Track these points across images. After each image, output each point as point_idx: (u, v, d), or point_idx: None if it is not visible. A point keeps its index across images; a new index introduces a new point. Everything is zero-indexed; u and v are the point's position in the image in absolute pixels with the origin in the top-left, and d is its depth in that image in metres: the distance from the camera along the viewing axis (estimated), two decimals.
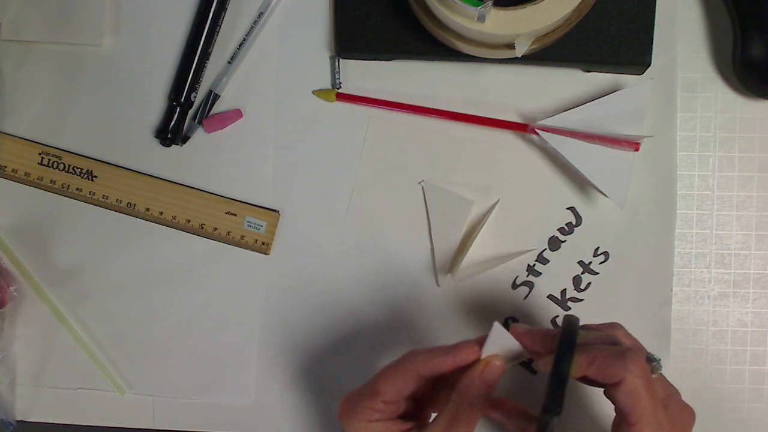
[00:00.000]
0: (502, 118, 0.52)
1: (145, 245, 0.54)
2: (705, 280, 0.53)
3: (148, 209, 0.54)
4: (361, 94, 0.53)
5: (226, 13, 0.53)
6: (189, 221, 0.54)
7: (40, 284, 0.54)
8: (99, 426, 0.55)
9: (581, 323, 0.40)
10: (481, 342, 0.40)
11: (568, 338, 0.37)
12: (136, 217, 0.54)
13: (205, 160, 0.54)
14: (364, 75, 0.53)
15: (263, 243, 0.54)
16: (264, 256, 0.54)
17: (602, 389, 0.39)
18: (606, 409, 0.40)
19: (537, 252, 0.53)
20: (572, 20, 0.47)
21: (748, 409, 0.53)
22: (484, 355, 0.40)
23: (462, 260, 0.51)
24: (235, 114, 0.54)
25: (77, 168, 0.54)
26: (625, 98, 0.51)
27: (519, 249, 0.53)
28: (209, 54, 0.53)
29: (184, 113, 0.53)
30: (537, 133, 0.51)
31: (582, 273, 0.53)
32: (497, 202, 0.53)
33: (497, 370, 0.39)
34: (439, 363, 0.40)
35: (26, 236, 0.55)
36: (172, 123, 0.53)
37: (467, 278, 0.52)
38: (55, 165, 0.54)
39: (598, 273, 0.53)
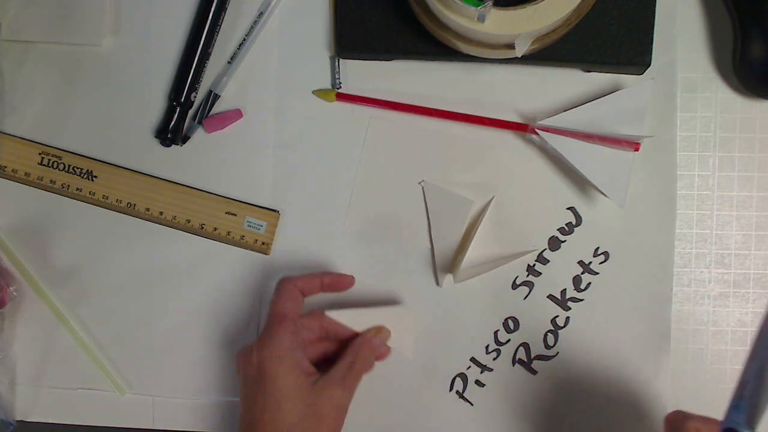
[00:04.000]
0: (502, 118, 0.52)
1: (145, 245, 0.54)
2: (705, 280, 0.53)
3: (148, 209, 0.54)
4: (361, 94, 0.53)
5: (226, 13, 0.53)
6: (189, 221, 0.54)
7: (40, 284, 0.54)
8: (99, 426, 0.55)
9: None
10: (340, 276, 0.52)
11: None
12: (136, 217, 0.54)
13: (205, 160, 0.54)
14: (364, 75, 0.53)
15: (263, 243, 0.54)
16: (264, 256, 0.54)
17: None
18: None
19: (537, 252, 0.53)
20: (572, 20, 0.47)
21: None
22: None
23: (462, 261, 0.52)
24: (235, 114, 0.54)
25: (77, 168, 0.54)
26: (625, 98, 0.51)
27: (519, 249, 0.53)
28: (209, 54, 0.53)
29: (184, 113, 0.53)
30: (537, 133, 0.51)
31: (582, 273, 0.53)
32: (492, 199, 0.53)
33: (379, 341, 0.50)
34: (312, 281, 0.50)
35: (26, 236, 0.55)
36: (172, 123, 0.53)
37: (467, 279, 0.52)
38: (55, 165, 0.54)
39: (598, 273, 0.53)
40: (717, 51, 0.53)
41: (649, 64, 0.51)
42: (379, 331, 0.51)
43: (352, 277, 0.52)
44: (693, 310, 0.53)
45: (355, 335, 0.50)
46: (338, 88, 0.53)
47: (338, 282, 0.52)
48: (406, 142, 0.53)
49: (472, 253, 0.52)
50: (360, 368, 0.48)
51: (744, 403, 0.36)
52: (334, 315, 0.50)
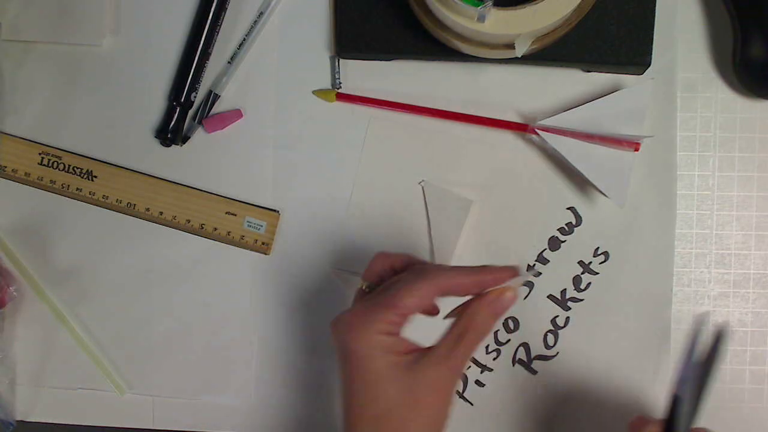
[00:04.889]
0: (502, 118, 0.52)
1: (145, 245, 0.54)
2: (705, 280, 0.53)
3: (148, 209, 0.54)
4: (361, 94, 0.53)
5: (226, 13, 0.53)
6: (189, 221, 0.54)
7: (40, 284, 0.54)
8: (99, 426, 0.55)
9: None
10: (501, 271, 0.40)
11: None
12: (136, 217, 0.54)
13: (205, 160, 0.54)
14: (364, 75, 0.53)
15: (263, 243, 0.54)
16: (264, 256, 0.54)
17: None
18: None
19: (537, 252, 0.53)
20: (572, 20, 0.47)
21: (748, 409, 0.53)
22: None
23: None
24: (235, 114, 0.54)
25: (77, 168, 0.54)
26: (625, 98, 0.51)
27: (518, 251, 0.53)
28: (209, 54, 0.53)
29: (184, 113, 0.53)
30: (537, 133, 0.51)
31: (582, 273, 0.53)
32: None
33: (509, 301, 0.40)
34: (461, 280, 0.40)
35: (26, 236, 0.55)
36: (172, 123, 0.53)
37: None
38: (55, 165, 0.54)
39: (598, 273, 0.53)
40: (717, 51, 0.53)
41: (649, 64, 0.51)
42: (503, 292, 0.40)
43: (514, 268, 0.41)
44: (693, 310, 0.53)
45: (476, 290, 0.41)
46: (338, 88, 0.53)
47: (497, 281, 0.40)
48: (406, 142, 0.53)
49: (472, 254, 0.52)
50: (472, 340, 0.39)
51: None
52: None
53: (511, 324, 0.53)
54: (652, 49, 0.50)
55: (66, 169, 0.54)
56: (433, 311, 0.43)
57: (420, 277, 0.40)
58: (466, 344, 0.39)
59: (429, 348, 0.40)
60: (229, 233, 0.54)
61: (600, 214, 0.53)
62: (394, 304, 0.39)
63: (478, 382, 0.53)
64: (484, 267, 0.41)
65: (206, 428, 0.55)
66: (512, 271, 0.40)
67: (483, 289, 0.40)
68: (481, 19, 0.44)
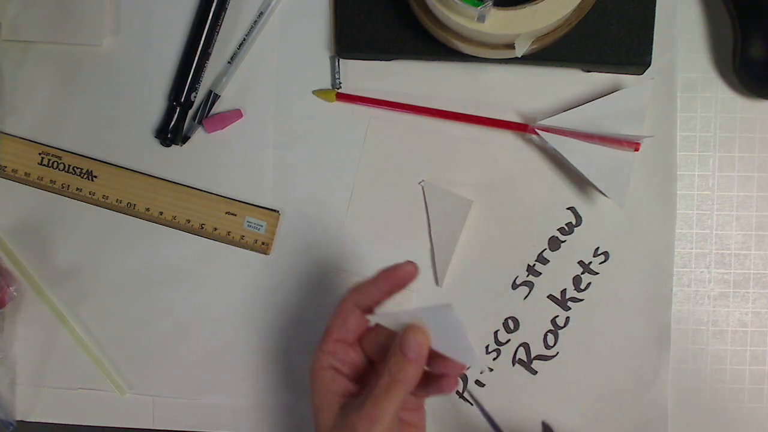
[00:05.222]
0: (502, 118, 0.52)
1: (145, 245, 0.54)
2: (705, 280, 0.53)
3: (148, 209, 0.54)
4: (361, 94, 0.53)
5: (226, 13, 0.53)
6: (189, 221, 0.54)
7: (40, 284, 0.54)
8: (99, 426, 0.55)
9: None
10: (399, 266, 0.41)
11: None
12: (136, 217, 0.54)
13: (205, 160, 0.54)
14: (364, 75, 0.53)
15: (263, 243, 0.54)
16: (264, 256, 0.54)
17: None
18: None
19: (537, 252, 0.53)
20: (572, 20, 0.47)
21: (748, 409, 0.53)
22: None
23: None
24: (235, 114, 0.54)
25: (77, 168, 0.54)
26: (625, 98, 0.51)
27: (518, 251, 0.53)
28: (209, 54, 0.53)
29: (184, 113, 0.53)
30: (537, 133, 0.51)
31: (582, 273, 0.53)
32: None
33: (414, 341, 0.39)
34: (367, 289, 0.41)
35: (26, 236, 0.55)
36: (172, 123, 0.53)
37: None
38: (55, 165, 0.54)
39: (598, 273, 0.53)
40: (717, 51, 0.53)
41: (649, 64, 0.51)
42: (413, 332, 0.39)
43: (410, 263, 0.41)
44: (693, 310, 0.53)
45: (389, 293, 0.41)
46: (338, 88, 0.53)
47: (394, 276, 0.41)
48: (406, 142, 0.53)
49: (472, 254, 0.52)
50: (392, 390, 0.39)
51: None
52: (376, 318, 0.42)
53: (511, 324, 0.53)
54: (652, 49, 0.50)
55: (66, 169, 0.54)
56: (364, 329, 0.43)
57: (339, 302, 0.42)
58: (384, 393, 0.39)
59: (358, 397, 0.40)
60: (229, 233, 0.54)
61: (600, 214, 0.53)
62: (324, 332, 0.42)
63: (478, 382, 0.53)
64: (379, 273, 0.41)
65: (206, 428, 0.55)
66: (411, 265, 0.41)
67: (392, 287, 0.41)
68: (481, 19, 0.44)
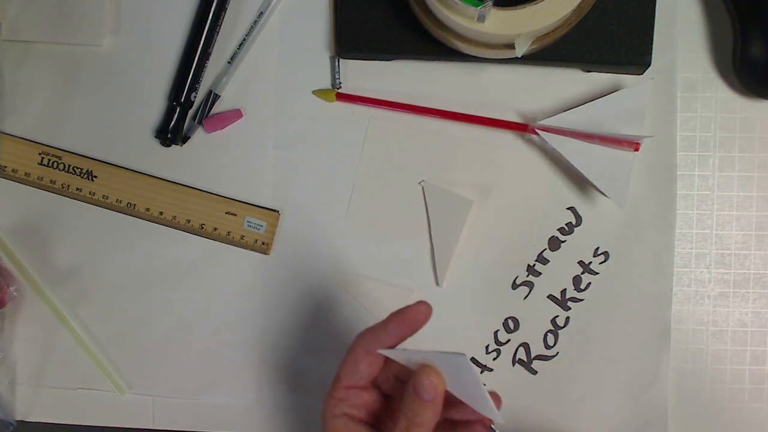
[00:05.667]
0: (502, 118, 0.52)
1: (145, 245, 0.54)
2: (705, 280, 0.53)
3: (148, 209, 0.54)
4: (361, 94, 0.53)
5: (226, 13, 0.53)
6: (189, 221, 0.54)
7: (40, 284, 0.54)
8: (99, 426, 0.55)
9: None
10: (412, 307, 0.39)
11: None
12: (136, 217, 0.54)
13: (205, 160, 0.54)
14: (364, 75, 0.53)
15: (263, 243, 0.54)
16: (264, 256, 0.54)
17: None
18: None
19: (537, 252, 0.53)
20: (572, 20, 0.47)
21: (748, 409, 0.53)
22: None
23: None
24: (235, 114, 0.54)
25: (77, 168, 0.54)
26: (625, 98, 0.51)
27: (518, 252, 0.53)
28: (209, 54, 0.53)
29: (184, 113, 0.53)
30: (537, 133, 0.51)
31: (582, 273, 0.53)
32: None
33: (429, 383, 0.38)
34: (377, 334, 0.40)
35: (26, 236, 0.55)
36: (172, 123, 0.53)
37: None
38: (55, 165, 0.54)
39: (598, 273, 0.53)
40: (717, 51, 0.53)
41: (649, 64, 0.51)
42: (426, 374, 0.37)
43: (423, 303, 0.39)
44: (693, 310, 0.53)
45: (400, 339, 0.40)
46: (338, 88, 0.53)
47: (405, 318, 0.39)
48: (406, 142, 0.53)
49: (472, 254, 0.52)
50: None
51: None
52: (387, 353, 0.40)
53: (511, 324, 0.53)
54: (652, 49, 0.50)
55: (66, 169, 0.54)
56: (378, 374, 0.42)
57: (350, 347, 0.41)
58: None
59: None
60: (229, 233, 0.54)
61: (600, 214, 0.53)
62: (335, 378, 0.41)
63: None
64: (388, 317, 0.39)
65: (206, 428, 0.55)
66: (423, 305, 0.39)
67: (404, 331, 0.39)
68: (481, 19, 0.44)
